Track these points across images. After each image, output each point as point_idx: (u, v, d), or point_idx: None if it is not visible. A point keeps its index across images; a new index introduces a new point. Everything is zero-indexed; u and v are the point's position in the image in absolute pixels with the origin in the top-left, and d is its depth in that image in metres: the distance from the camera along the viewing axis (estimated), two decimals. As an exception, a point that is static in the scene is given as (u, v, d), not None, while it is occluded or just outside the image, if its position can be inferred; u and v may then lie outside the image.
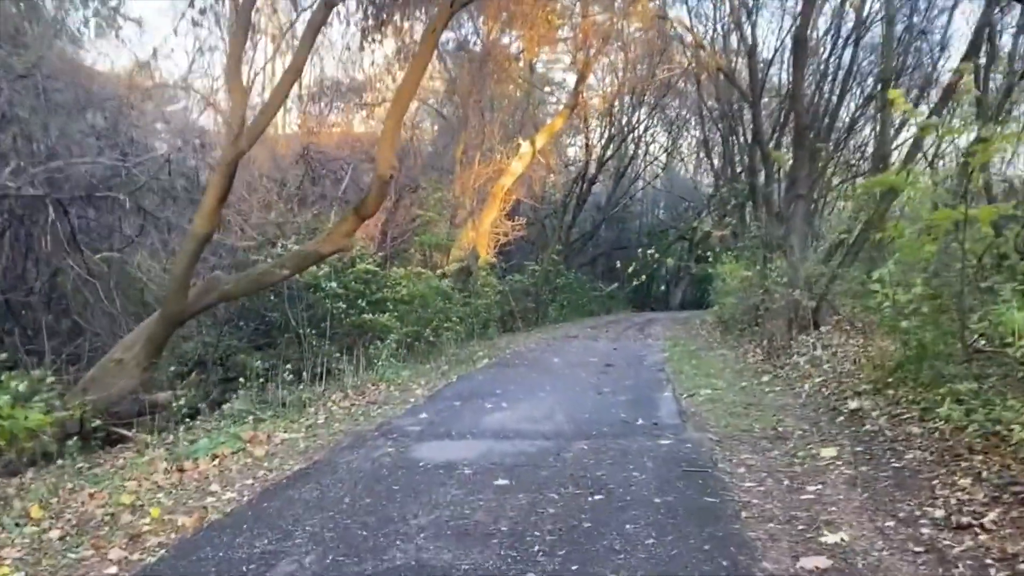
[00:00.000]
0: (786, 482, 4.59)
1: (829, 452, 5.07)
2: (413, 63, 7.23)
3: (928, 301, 5.78)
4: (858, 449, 5.11)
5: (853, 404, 6.13)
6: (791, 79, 13.71)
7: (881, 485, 4.33)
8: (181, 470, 5.74)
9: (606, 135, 30.33)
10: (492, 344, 16.35)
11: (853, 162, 19.66)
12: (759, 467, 4.96)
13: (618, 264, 24.76)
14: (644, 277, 20.98)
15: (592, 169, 30.01)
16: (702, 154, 34.96)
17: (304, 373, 10.36)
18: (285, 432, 7.17)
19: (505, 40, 18.00)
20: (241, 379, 9.29)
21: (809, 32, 12.18)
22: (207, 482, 5.35)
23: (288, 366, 9.83)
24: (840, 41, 16.36)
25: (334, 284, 10.91)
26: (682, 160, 39.60)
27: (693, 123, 32.97)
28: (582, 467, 5.11)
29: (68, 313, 10.17)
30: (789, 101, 15.07)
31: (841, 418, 6.05)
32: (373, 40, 10.61)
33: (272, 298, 11.05)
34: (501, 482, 4.73)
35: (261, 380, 9.21)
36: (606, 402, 7.92)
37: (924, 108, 17.80)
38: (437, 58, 21.97)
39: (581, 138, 29.97)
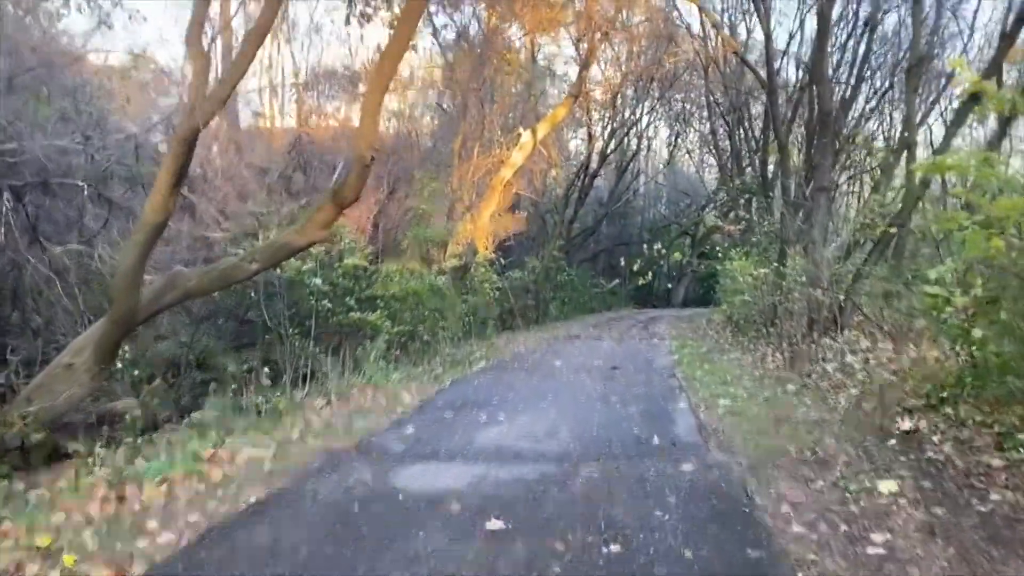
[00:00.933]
0: (843, 527, 3.75)
1: (888, 486, 4.23)
2: (398, 27, 6.38)
3: (992, 305, 4.94)
4: (924, 484, 4.26)
5: (905, 424, 5.28)
6: (811, 60, 12.85)
7: (968, 537, 3.48)
8: (121, 498, 4.90)
9: (609, 128, 29.43)
10: (490, 344, 15.51)
11: (869, 153, 18.70)
12: (806, 505, 4.11)
13: (622, 261, 23.94)
14: (649, 275, 20.03)
15: (594, 163, 29.12)
16: (706, 149, 34.14)
17: (286, 376, 9.58)
18: (253, 448, 6.32)
19: (506, 27, 17.05)
20: (214, 384, 8.51)
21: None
22: (147, 515, 4.51)
23: (267, 369, 9.03)
24: (857, 27, 15.51)
25: (319, 280, 10.07)
26: (688, 153, 38.59)
27: (698, 117, 32.23)
28: (593, 503, 4.27)
29: (27, 311, 9.32)
30: (809, 84, 14.17)
31: (892, 441, 5.20)
32: (362, 16, 9.68)
33: (252, 295, 10.20)
34: (495, 525, 3.88)
35: (235, 385, 8.40)
36: (615, 414, 7.08)
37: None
38: (435, 48, 21.15)
39: (583, 131, 29.11)
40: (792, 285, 10.46)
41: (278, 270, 9.94)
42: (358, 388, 9.22)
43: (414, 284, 11.17)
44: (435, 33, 20.11)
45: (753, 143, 22.95)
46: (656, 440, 5.92)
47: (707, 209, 38.61)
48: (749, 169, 22.52)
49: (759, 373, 9.20)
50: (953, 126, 9.53)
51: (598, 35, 16.33)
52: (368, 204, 13.43)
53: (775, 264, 12.10)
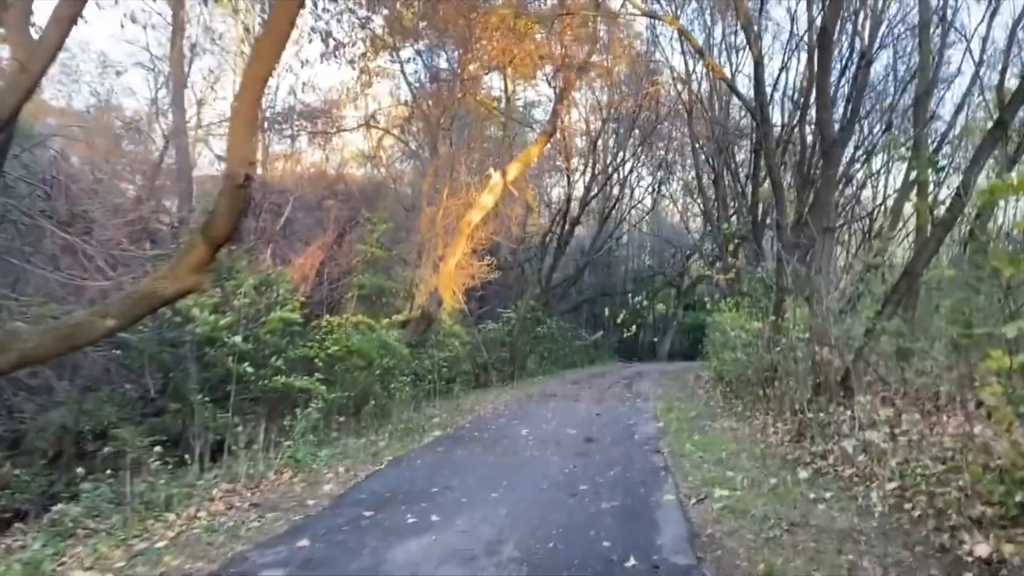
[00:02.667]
0: None
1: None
2: (275, 10, 4.96)
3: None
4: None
5: (980, 547, 3.75)
6: (812, 81, 11.63)
7: None
8: None
9: (589, 173, 28.34)
10: (455, 406, 13.89)
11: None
12: None
13: (606, 311, 22.52)
14: (635, 327, 18.61)
15: (574, 209, 27.92)
16: (689, 197, 33.16)
17: (194, 454, 7.96)
18: (90, 570, 4.71)
19: (477, 66, 15.90)
20: (82, 468, 6.86)
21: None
22: None
23: (158, 448, 7.45)
24: (851, 60, 14.48)
25: (239, 339, 8.50)
26: (673, 202, 37.68)
27: (681, 164, 31.32)
28: None
29: None
30: (801, 119, 12.99)
31: (969, 575, 3.66)
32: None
33: (161, 355, 8.61)
34: None
35: (110, 471, 6.76)
36: (582, 513, 5.49)
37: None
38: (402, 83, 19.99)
39: (563, 177, 28.02)
40: (794, 342, 9.00)
41: (191, 325, 8.40)
42: (276, 470, 7.60)
43: (358, 341, 9.59)
44: (402, 68, 19.06)
45: (739, 187, 21.88)
46: (633, 561, 4.34)
47: (692, 258, 37.56)
48: (734, 218, 21.40)
49: (760, 449, 7.65)
50: (980, 157, 8.24)
51: (573, 71, 15.15)
52: (315, 250, 11.96)
53: (772, 317, 10.68)
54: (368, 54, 16.52)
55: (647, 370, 23.75)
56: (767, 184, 16.82)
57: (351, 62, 16.05)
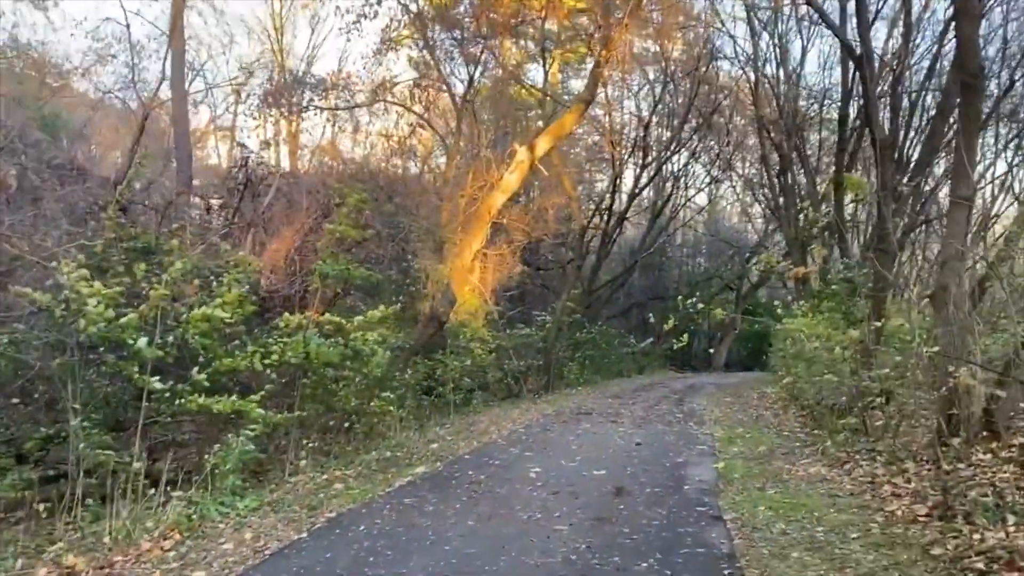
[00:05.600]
0: None
1: None
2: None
3: None
4: None
5: None
6: None
7: None
8: None
9: (639, 163, 25.65)
10: (468, 425, 11.55)
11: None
12: None
13: (651, 317, 19.75)
14: (687, 335, 15.87)
15: (622, 202, 25.24)
16: (751, 195, 29.96)
17: (74, 499, 5.86)
18: None
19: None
20: None
21: None
22: None
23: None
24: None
25: (143, 342, 6.28)
26: (737, 195, 34.46)
27: (740, 159, 28.28)
28: None
29: None
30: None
31: None
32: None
33: (36, 365, 6.44)
34: None
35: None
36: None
37: None
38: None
39: (609, 168, 25.38)
40: (915, 358, 6.28)
41: (81, 322, 6.22)
42: (164, 531, 5.32)
43: (316, 347, 7.26)
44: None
45: (811, 175, 18.96)
46: None
47: (752, 261, 34.37)
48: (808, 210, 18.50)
49: (879, 527, 4.98)
50: None
51: (616, 24, 12.51)
52: (291, 234, 9.74)
53: (871, 323, 7.93)
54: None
55: (701, 383, 20.90)
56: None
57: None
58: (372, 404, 8.48)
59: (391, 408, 8.36)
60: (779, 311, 13.38)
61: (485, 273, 16.85)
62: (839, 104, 14.89)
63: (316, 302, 8.71)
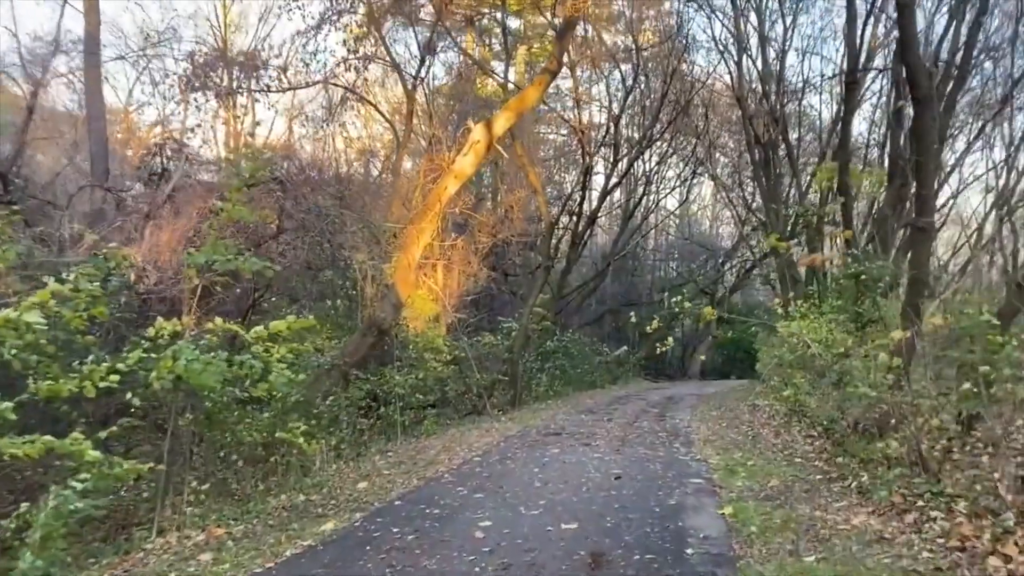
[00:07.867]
0: None
1: None
2: None
3: None
4: None
5: None
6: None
7: None
8: None
9: (610, 160, 24.03)
10: (415, 453, 9.72)
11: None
12: None
13: (632, 318, 17.94)
14: (670, 341, 14.18)
15: (592, 201, 23.56)
16: (725, 197, 28.43)
17: None
18: None
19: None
20: None
21: None
22: None
23: None
24: None
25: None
26: (716, 192, 32.98)
27: (720, 152, 26.78)
28: None
29: None
30: None
31: None
32: None
33: None
34: None
35: None
36: None
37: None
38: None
39: (579, 164, 23.72)
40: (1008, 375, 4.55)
41: None
42: None
43: (185, 364, 5.34)
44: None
45: (794, 167, 17.48)
46: None
47: (726, 266, 33.02)
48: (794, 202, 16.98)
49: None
50: None
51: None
52: (183, 223, 7.83)
53: (912, 327, 6.20)
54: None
55: (680, 394, 19.18)
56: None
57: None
58: (278, 435, 6.57)
59: (300, 440, 6.43)
60: (772, 313, 11.73)
61: (447, 277, 15.05)
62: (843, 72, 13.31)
63: (195, 304, 6.78)
